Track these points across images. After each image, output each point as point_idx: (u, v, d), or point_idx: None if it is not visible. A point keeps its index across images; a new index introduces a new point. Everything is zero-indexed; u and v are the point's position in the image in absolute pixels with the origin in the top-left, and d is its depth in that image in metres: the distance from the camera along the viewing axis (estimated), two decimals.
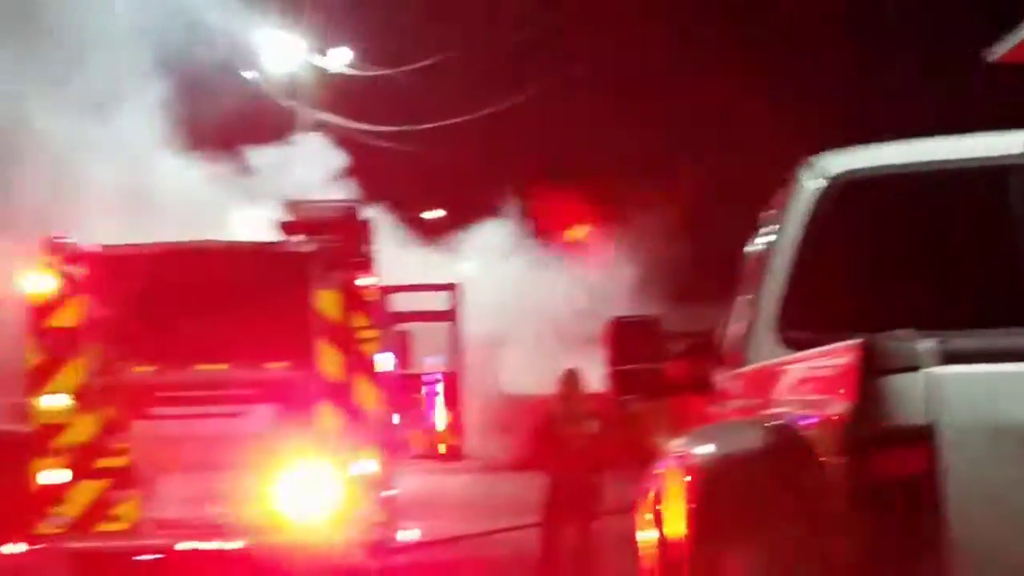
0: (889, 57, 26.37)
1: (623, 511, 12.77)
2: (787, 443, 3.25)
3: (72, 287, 12.61)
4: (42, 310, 12.53)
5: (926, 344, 2.64)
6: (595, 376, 6.50)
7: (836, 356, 2.95)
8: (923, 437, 2.64)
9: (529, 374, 18.46)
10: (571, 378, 12.72)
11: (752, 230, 4.96)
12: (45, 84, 20.14)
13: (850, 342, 2.79)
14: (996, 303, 3.57)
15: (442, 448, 16.22)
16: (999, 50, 19.46)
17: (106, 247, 12.98)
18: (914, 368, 2.65)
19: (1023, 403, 2.67)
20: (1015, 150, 4.26)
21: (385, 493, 13.24)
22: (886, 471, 2.67)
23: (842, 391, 2.80)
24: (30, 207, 17.31)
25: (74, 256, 12.60)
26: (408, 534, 14.57)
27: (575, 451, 12.55)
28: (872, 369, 2.68)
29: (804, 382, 3.43)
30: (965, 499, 2.64)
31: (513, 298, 23.00)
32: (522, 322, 22.20)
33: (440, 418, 15.91)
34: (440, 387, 16.00)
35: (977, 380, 2.70)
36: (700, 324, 5.90)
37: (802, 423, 3.20)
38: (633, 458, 8.84)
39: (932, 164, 4.45)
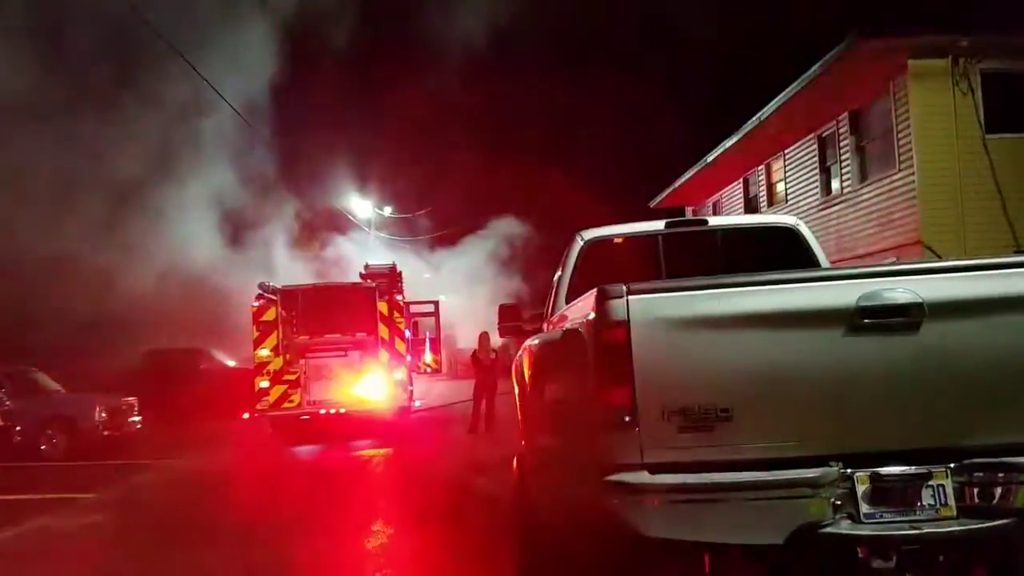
0: (590, 208, 34.07)
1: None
2: (570, 334, 4.41)
3: (272, 303, 18.59)
4: (258, 312, 18.65)
5: (624, 287, 3.88)
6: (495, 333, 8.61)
7: (590, 297, 4.11)
8: (623, 324, 3.77)
9: (469, 336, 25.49)
10: (484, 335, 18.34)
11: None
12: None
13: (594, 289, 4.02)
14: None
15: (430, 368, 23.33)
16: (656, 200, 31.11)
17: (286, 286, 19.00)
18: (620, 296, 3.84)
19: (666, 309, 3.82)
20: (660, 227, 6.71)
21: (409, 387, 19.03)
22: (608, 340, 3.80)
23: (592, 308, 3.96)
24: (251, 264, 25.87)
25: (272, 290, 18.70)
26: (418, 404, 22.04)
27: (485, 366, 18.53)
28: (604, 297, 3.89)
29: (577, 311, 4.62)
30: (642, 352, 3.77)
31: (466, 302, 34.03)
32: (470, 312, 31.18)
33: (429, 356, 23.45)
34: (429, 344, 23.53)
35: (646, 300, 3.85)
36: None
37: (577, 326, 4.32)
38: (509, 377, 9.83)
39: (626, 233, 6.80)
